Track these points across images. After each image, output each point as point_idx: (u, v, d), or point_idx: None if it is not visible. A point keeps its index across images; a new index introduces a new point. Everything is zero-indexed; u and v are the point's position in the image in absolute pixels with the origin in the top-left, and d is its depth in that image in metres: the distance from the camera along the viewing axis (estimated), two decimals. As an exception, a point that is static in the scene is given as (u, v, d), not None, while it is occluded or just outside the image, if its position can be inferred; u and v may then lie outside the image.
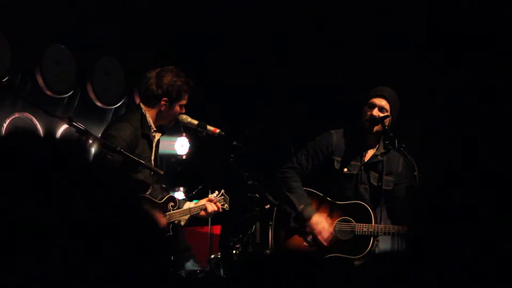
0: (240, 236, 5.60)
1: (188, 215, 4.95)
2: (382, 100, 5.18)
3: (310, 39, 7.17)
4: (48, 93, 6.35)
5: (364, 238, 5.18)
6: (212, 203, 4.99)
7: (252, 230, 5.37)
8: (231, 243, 5.62)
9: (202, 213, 5.02)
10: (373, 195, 5.31)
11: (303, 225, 5.30)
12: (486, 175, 1.34)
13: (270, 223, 5.55)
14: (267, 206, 5.29)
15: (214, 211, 4.98)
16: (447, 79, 6.54)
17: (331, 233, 5.24)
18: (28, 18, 6.07)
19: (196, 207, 4.97)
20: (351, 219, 5.25)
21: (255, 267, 1.48)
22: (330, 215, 5.28)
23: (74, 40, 6.55)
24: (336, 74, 7.05)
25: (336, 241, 5.24)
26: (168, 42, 7.23)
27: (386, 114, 5.14)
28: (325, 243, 5.22)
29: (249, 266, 1.51)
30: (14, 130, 1.14)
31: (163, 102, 4.84)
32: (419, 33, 6.68)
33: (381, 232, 5.13)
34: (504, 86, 6.26)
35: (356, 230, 5.20)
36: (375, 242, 5.24)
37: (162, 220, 4.77)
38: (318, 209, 5.31)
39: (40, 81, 6.30)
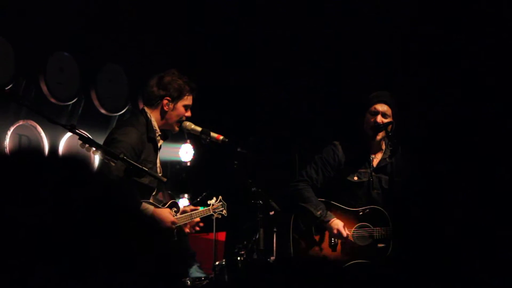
0: (245, 242, 5.60)
1: (190, 220, 4.95)
2: (384, 105, 5.20)
3: (311, 40, 7.16)
4: (52, 100, 6.34)
5: (383, 242, 5.19)
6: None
7: (256, 237, 5.36)
8: (236, 250, 5.61)
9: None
10: (386, 199, 5.31)
11: (323, 232, 5.30)
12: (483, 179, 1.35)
13: (274, 229, 5.55)
14: (271, 213, 5.30)
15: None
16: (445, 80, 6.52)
17: (351, 232, 5.23)
18: (32, 25, 6.07)
19: (198, 212, 4.99)
20: (368, 224, 5.26)
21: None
22: (347, 222, 5.27)
23: (78, 47, 6.55)
24: (340, 79, 7.04)
25: (356, 247, 5.25)
26: (173, 47, 7.22)
27: (389, 120, 5.16)
28: (345, 235, 5.17)
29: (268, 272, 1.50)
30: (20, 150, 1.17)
31: (165, 102, 4.84)
32: (417, 34, 6.65)
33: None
34: (497, 87, 6.21)
35: (375, 234, 5.22)
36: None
37: (170, 219, 4.76)
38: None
39: (44, 88, 6.29)
